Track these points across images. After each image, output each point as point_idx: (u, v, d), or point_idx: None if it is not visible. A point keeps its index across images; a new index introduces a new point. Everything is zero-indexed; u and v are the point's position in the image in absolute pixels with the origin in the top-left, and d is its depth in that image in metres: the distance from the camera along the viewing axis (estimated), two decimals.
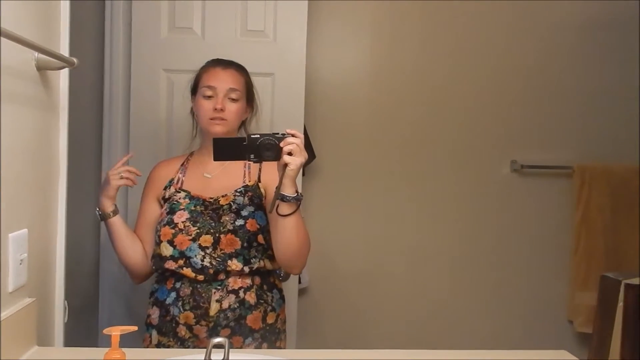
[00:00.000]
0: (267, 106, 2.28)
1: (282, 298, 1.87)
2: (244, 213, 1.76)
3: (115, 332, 1.14)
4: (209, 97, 1.81)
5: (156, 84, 2.37)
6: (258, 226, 1.75)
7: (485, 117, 2.89)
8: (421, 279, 2.90)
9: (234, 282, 1.74)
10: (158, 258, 1.76)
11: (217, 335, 1.69)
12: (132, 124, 2.39)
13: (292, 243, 1.65)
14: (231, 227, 1.73)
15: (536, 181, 2.92)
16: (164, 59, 2.36)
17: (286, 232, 1.63)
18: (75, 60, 1.40)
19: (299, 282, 2.55)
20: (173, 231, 1.74)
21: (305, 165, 1.59)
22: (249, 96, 1.90)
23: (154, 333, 1.79)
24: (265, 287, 1.79)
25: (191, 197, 1.81)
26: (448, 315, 2.91)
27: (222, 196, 1.79)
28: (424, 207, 2.90)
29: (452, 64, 2.87)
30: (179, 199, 1.81)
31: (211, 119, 1.80)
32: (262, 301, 1.77)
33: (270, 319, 1.79)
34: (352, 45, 2.86)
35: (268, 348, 1.77)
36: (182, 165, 1.91)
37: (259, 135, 1.54)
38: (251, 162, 1.59)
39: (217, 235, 1.73)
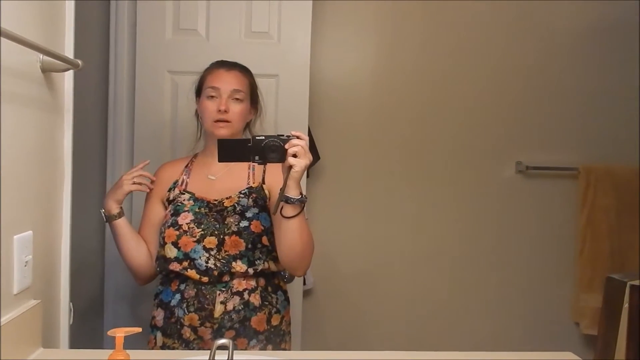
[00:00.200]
0: (271, 107, 2.28)
1: (287, 300, 1.86)
2: (249, 215, 1.76)
3: (120, 333, 1.14)
4: (213, 97, 1.81)
5: (160, 85, 2.37)
6: (262, 228, 1.75)
7: (489, 118, 2.89)
8: (424, 280, 2.90)
9: (238, 284, 1.73)
10: (162, 260, 1.76)
11: (222, 337, 1.69)
12: (137, 125, 2.39)
13: (296, 245, 1.65)
14: (235, 229, 1.73)
15: (541, 182, 2.91)
16: (169, 60, 2.36)
17: (290, 234, 1.63)
18: (80, 62, 1.41)
19: (304, 283, 2.54)
20: (177, 233, 1.74)
21: (309, 167, 1.59)
22: (253, 97, 1.90)
23: (159, 335, 1.79)
24: (269, 288, 1.79)
25: (195, 199, 1.80)
26: (452, 316, 2.91)
27: (227, 198, 1.79)
28: (427, 209, 2.89)
29: (455, 65, 2.87)
30: (184, 200, 1.81)
31: (215, 121, 1.79)
32: (266, 303, 1.77)
33: (274, 321, 1.78)
34: (356, 46, 2.86)
35: (273, 350, 1.76)
36: (186, 166, 1.91)
37: (263, 137, 1.54)
38: (255, 164, 1.58)
39: (221, 236, 1.73)
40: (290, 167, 1.52)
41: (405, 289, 2.89)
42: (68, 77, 1.49)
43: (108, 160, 2.45)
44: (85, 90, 1.99)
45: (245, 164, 1.81)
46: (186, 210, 1.78)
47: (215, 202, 1.79)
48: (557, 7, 2.87)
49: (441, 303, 2.90)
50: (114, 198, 1.80)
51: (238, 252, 1.72)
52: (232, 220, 1.74)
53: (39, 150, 1.35)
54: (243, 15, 2.37)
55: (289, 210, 1.59)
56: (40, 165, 1.36)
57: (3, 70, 1.14)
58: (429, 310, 2.90)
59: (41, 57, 1.32)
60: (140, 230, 1.89)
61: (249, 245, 1.72)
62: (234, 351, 1.11)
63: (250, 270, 1.72)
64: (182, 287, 1.75)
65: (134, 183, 1.80)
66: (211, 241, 1.72)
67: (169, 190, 1.87)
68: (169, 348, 1.75)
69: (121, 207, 1.82)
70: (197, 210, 1.77)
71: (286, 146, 1.53)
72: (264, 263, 1.74)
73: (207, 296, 1.72)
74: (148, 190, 1.85)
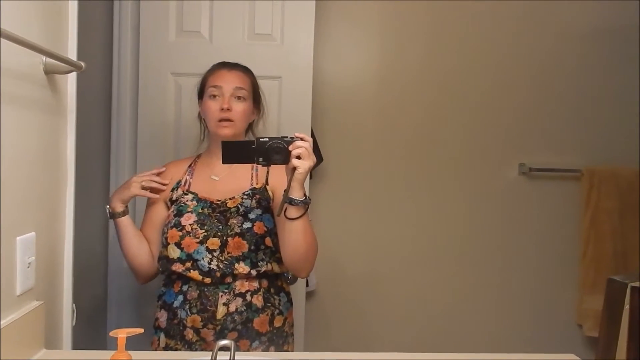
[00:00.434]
0: (274, 109, 2.28)
1: (290, 301, 1.87)
2: (252, 216, 1.76)
3: (122, 334, 1.14)
4: (215, 97, 1.81)
5: (164, 87, 2.37)
6: (265, 229, 1.75)
7: (493, 120, 2.88)
8: (427, 282, 2.89)
9: (241, 285, 1.73)
10: (165, 260, 1.76)
11: (224, 338, 1.68)
12: (140, 127, 2.39)
13: (299, 246, 1.65)
14: (238, 230, 1.73)
15: (544, 184, 2.91)
16: (172, 62, 2.36)
17: (294, 235, 1.63)
18: (83, 64, 1.41)
19: (307, 285, 2.54)
20: (180, 233, 1.74)
21: (312, 169, 1.59)
22: (255, 97, 1.90)
23: (162, 336, 1.79)
24: (272, 290, 1.79)
25: (199, 200, 1.81)
26: (455, 318, 2.90)
27: (230, 199, 1.79)
28: (431, 210, 2.89)
29: (460, 66, 2.86)
30: (187, 201, 1.81)
31: (219, 121, 1.80)
32: (269, 304, 1.77)
33: (277, 323, 1.78)
34: (359, 47, 2.85)
35: (275, 352, 1.76)
36: (189, 167, 1.91)
37: (267, 139, 1.55)
38: (259, 165, 1.59)
39: (224, 238, 1.73)
40: (294, 168, 1.52)
41: (409, 291, 2.88)
42: (71, 79, 1.49)
43: (111, 162, 2.45)
44: (88, 92, 2.00)
45: (248, 165, 1.81)
46: (189, 211, 1.78)
47: (218, 202, 1.79)
48: (561, 10, 2.86)
49: (444, 305, 2.90)
50: (120, 198, 1.81)
51: (241, 254, 1.72)
52: (235, 221, 1.74)
53: (42, 152, 1.35)
54: (246, 17, 2.37)
55: (293, 212, 1.59)
56: (43, 166, 1.36)
57: (6, 72, 1.14)
58: (432, 312, 2.89)
59: (44, 59, 1.32)
60: (142, 228, 1.90)
61: (252, 247, 1.72)
62: (236, 352, 1.11)
63: (253, 272, 1.72)
64: (185, 288, 1.75)
65: (143, 188, 1.81)
66: (214, 242, 1.72)
67: (172, 190, 1.87)
68: (171, 349, 1.76)
69: (126, 206, 1.83)
70: (200, 211, 1.77)
71: (290, 148, 1.53)
72: (267, 264, 1.74)
73: (210, 298, 1.72)
74: (155, 197, 1.86)
